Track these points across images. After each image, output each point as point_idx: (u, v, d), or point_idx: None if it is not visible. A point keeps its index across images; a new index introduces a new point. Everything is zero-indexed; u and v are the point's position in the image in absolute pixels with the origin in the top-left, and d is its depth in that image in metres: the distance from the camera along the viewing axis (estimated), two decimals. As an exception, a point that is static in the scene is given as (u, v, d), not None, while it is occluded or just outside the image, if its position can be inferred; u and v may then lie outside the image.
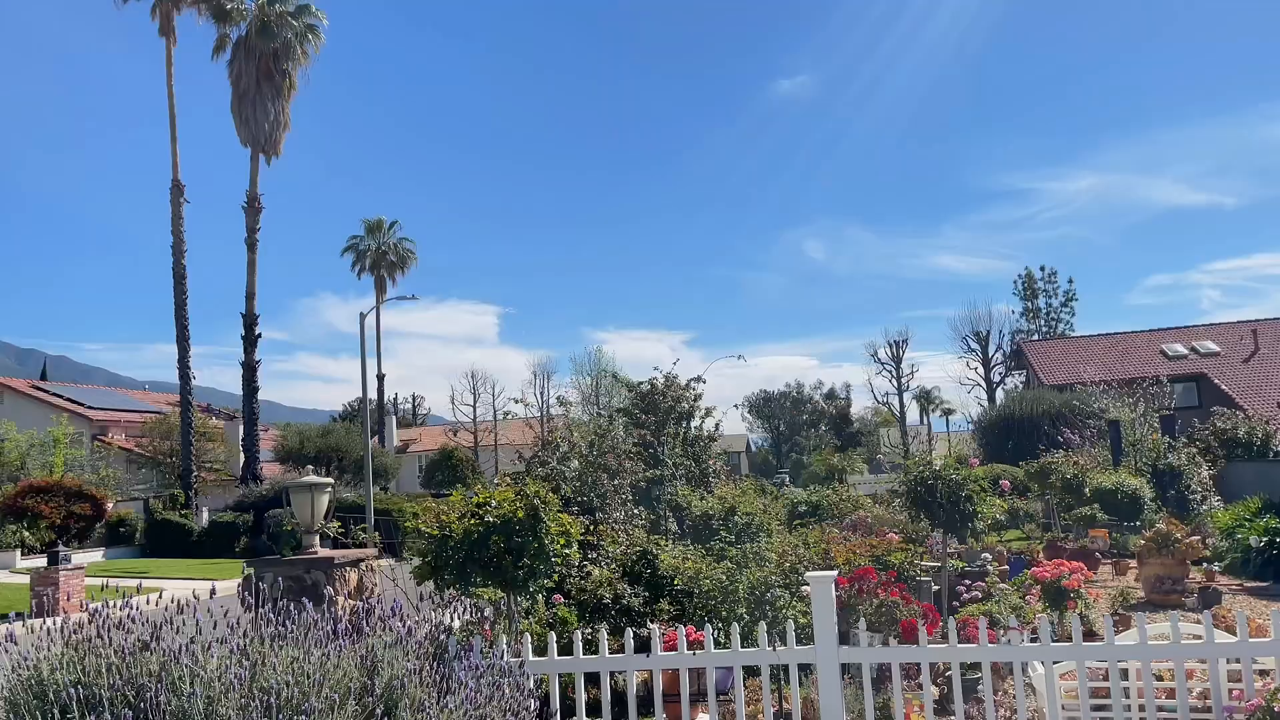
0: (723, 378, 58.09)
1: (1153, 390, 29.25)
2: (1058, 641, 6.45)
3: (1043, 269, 73.81)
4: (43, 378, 66.12)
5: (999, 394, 55.60)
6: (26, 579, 21.49)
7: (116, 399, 54.64)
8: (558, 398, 28.33)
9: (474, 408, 60.46)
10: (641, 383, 18.09)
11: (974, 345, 58.58)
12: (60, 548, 21.55)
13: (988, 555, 14.96)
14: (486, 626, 7.88)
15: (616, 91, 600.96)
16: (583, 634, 6.90)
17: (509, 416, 57.26)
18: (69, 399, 48.91)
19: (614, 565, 9.94)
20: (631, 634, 6.69)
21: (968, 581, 11.97)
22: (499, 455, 55.25)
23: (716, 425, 18.32)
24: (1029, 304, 73.22)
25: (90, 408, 48.33)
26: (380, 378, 61.44)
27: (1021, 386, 51.46)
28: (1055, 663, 6.39)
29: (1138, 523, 18.47)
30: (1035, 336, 66.87)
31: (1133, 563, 15.44)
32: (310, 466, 11.10)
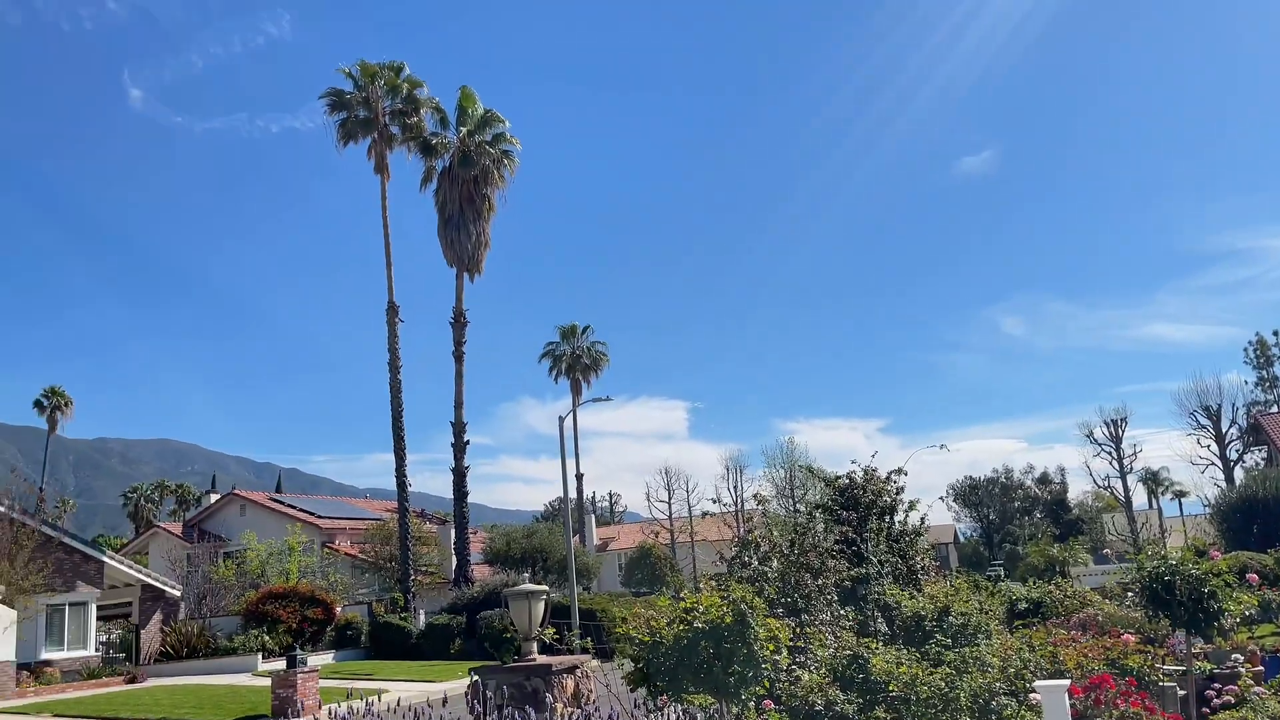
0: (923, 465, 56.22)
1: None
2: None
3: (1276, 334, 67.49)
4: (278, 490, 71.99)
5: (1237, 473, 50.71)
6: (267, 681, 23.03)
7: (341, 508, 58.60)
8: (754, 495, 28.09)
9: (669, 504, 60.85)
10: (839, 476, 17.75)
11: (1204, 421, 53.93)
12: (296, 651, 23.01)
13: (1238, 655, 13.54)
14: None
15: (798, 180, 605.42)
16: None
17: (705, 516, 57.17)
18: (301, 509, 52.91)
19: (824, 670, 9.70)
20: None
21: (1217, 685, 10.90)
22: (696, 552, 55.07)
23: (922, 519, 17.64)
24: (1263, 373, 66.81)
25: (319, 517, 52.04)
26: (579, 477, 63.04)
27: (1263, 464, 46.81)
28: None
29: None
30: (1274, 408, 60.82)
31: None
32: (526, 575, 11.52)
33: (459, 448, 42.90)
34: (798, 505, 47.12)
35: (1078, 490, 74.46)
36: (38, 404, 78.26)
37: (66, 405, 78.82)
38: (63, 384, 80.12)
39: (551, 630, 8.97)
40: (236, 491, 60.45)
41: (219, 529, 52.97)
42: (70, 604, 29.70)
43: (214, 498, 58.39)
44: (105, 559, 31.33)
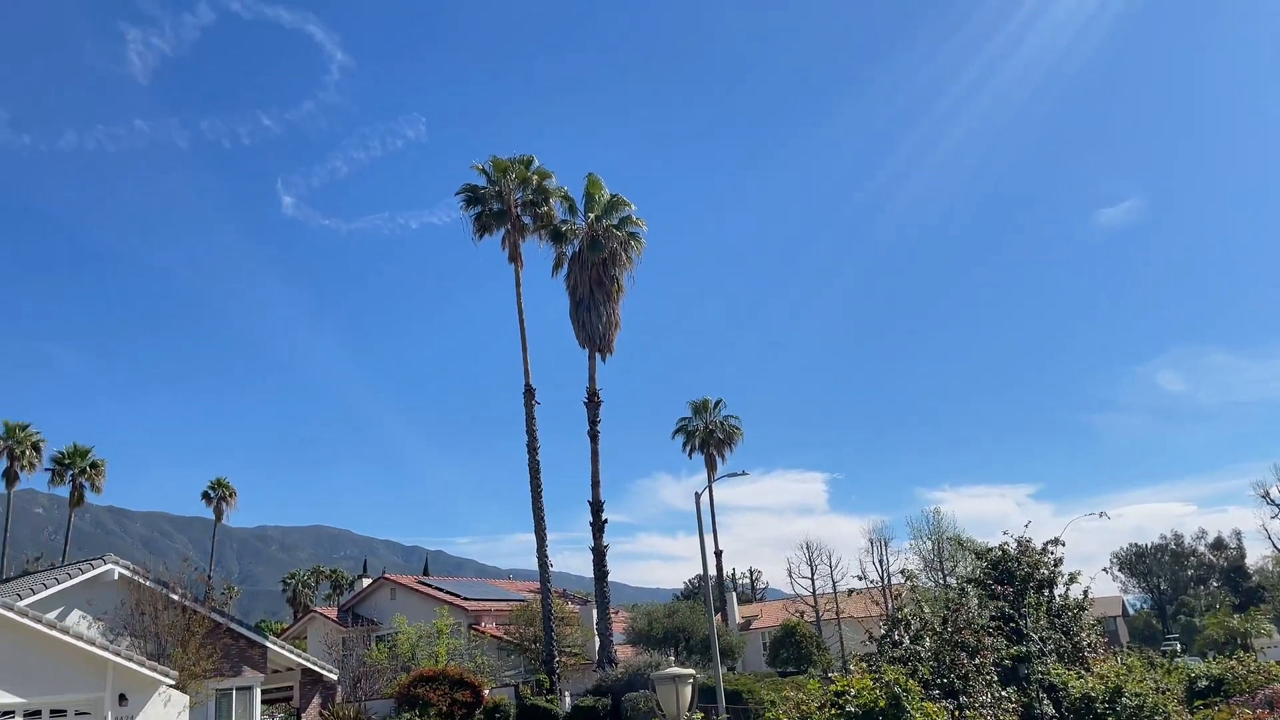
0: (1082, 533, 53.35)
1: None
2: None
3: None
4: (425, 573, 73.90)
5: None
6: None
7: (486, 589, 59.60)
8: (900, 571, 27.21)
9: (812, 580, 59.27)
10: (990, 548, 17.08)
11: (1398, 476, 49.32)
12: (447, 734, 23.31)
13: None
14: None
15: (933, 241, 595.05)
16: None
17: (851, 594, 55.49)
18: (447, 592, 54.06)
19: (988, 756, 9.21)
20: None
21: None
22: (843, 630, 53.33)
23: (1085, 592, 16.70)
24: None
25: (465, 599, 53.03)
26: (718, 554, 62.36)
27: None
28: None
29: None
30: None
31: None
32: (670, 656, 11.47)
33: (597, 527, 43.20)
34: (948, 579, 45.20)
35: (1257, 555, 68.96)
36: (205, 495, 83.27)
37: (230, 496, 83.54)
38: (227, 475, 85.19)
39: (700, 715, 8.87)
40: (387, 576, 62.35)
41: (371, 612, 54.63)
42: (237, 688, 31.01)
43: (365, 582, 60.35)
44: (268, 644, 32.68)
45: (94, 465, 70.29)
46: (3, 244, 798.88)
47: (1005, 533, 17.12)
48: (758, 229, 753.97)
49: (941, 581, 44.94)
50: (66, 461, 69.29)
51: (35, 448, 67.59)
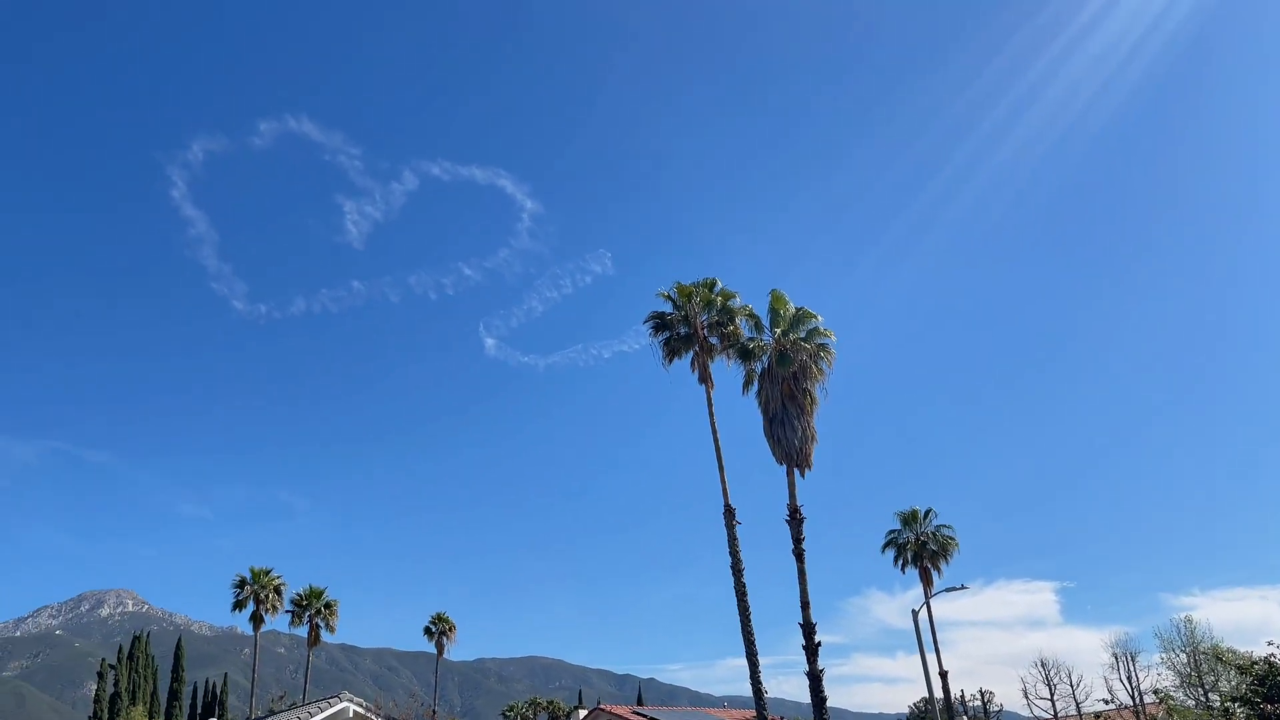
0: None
1: None
2: None
3: None
4: (639, 702, 73.16)
5: None
6: None
7: (700, 718, 58.27)
8: (1154, 690, 24.70)
9: (1051, 701, 54.56)
10: (1255, 661, 15.30)
11: None
12: None
13: None
14: None
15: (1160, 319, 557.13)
16: None
17: (1099, 717, 50.56)
18: (662, 721, 53.25)
19: None
20: None
21: None
22: (1094, 756, 48.38)
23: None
24: None
25: (680, 728, 52.04)
26: (943, 675, 58.40)
27: None
28: None
29: None
30: None
31: None
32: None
33: (810, 650, 41.65)
34: (1209, 696, 40.39)
35: None
36: (427, 630, 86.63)
37: (450, 630, 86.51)
38: (446, 609, 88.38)
39: None
40: (602, 706, 62.30)
41: (588, 744, 54.45)
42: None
43: (582, 713, 60.44)
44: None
45: (328, 605, 74.85)
46: (246, 407, 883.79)
47: (1270, 642, 15.32)
48: (962, 329, 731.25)
49: (1202, 700, 40.15)
50: (304, 603, 74.18)
51: (277, 591, 72.84)
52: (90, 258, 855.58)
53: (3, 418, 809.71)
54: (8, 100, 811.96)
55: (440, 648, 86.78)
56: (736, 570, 42.85)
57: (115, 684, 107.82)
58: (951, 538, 62.26)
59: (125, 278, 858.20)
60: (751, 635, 41.90)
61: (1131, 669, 50.81)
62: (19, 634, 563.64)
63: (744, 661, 41.88)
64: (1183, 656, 48.14)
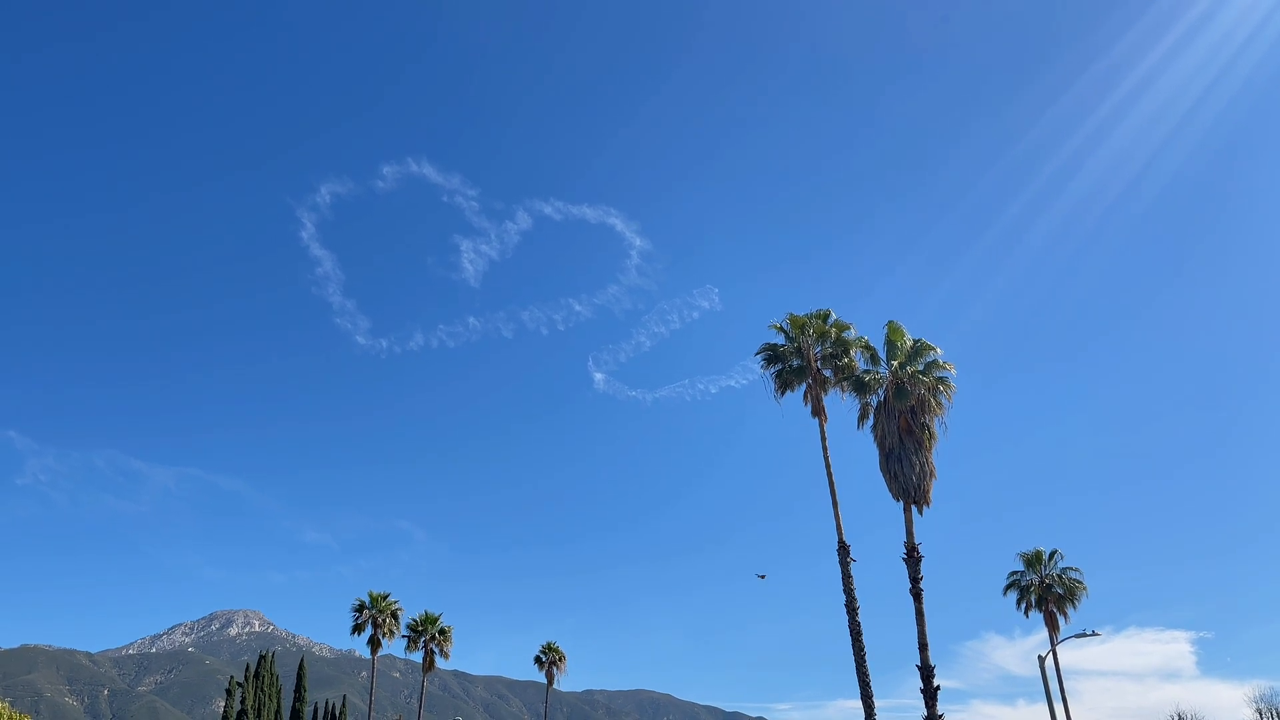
0: None
1: None
2: None
3: None
4: (748, 740, 71.47)
5: None
6: None
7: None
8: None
9: (1194, 759, 50.98)
10: None
11: None
12: None
13: None
14: None
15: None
16: None
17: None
18: (773, 762, 52.04)
19: None
20: None
21: None
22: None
23: None
24: None
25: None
26: (1071, 727, 55.43)
27: None
28: None
29: None
30: None
31: None
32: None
33: (929, 694, 40.16)
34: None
35: None
36: (537, 659, 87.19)
37: (560, 660, 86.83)
38: (557, 639, 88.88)
39: None
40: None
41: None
42: None
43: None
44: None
45: (442, 632, 76.21)
46: (367, 439, 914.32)
47: None
48: (1093, 370, 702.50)
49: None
50: (419, 629, 75.72)
51: (394, 616, 74.60)
52: (228, 297, 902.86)
53: (147, 445, 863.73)
54: (153, 152, 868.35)
55: (550, 677, 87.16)
56: (851, 609, 41.77)
57: (242, 701, 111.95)
58: (1079, 581, 59.35)
59: (259, 316, 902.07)
60: (867, 676, 40.70)
61: (1282, 727, 47.29)
62: (154, 650, 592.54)
63: (858, 703, 40.71)
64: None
